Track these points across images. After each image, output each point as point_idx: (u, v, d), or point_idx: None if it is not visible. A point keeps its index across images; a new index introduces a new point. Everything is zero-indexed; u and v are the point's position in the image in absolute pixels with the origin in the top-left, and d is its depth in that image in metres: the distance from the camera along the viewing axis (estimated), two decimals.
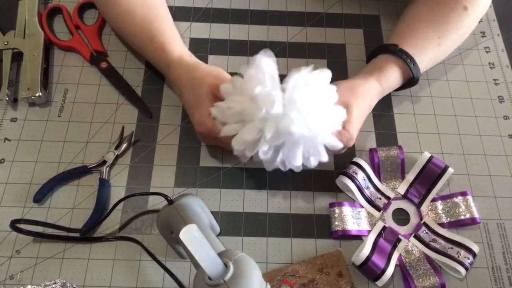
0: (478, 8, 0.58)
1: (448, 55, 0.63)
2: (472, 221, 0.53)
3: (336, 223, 0.52)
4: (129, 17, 0.56)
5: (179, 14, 0.67)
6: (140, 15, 0.56)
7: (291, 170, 0.48)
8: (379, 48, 0.58)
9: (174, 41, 0.55)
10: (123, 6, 0.56)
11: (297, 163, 0.46)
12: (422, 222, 0.53)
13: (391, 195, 0.55)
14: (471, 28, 0.61)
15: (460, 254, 0.50)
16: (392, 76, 0.55)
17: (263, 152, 0.45)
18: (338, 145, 0.47)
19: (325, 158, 0.46)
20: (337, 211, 0.53)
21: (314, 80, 0.46)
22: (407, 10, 0.61)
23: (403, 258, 0.51)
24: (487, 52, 0.67)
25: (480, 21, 0.68)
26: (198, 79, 0.51)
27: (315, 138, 0.45)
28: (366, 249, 0.50)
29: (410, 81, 0.57)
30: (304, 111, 0.44)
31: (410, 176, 0.56)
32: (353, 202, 0.54)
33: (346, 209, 0.53)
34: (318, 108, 0.45)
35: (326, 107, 0.46)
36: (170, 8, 0.61)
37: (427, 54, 0.57)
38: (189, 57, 0.55)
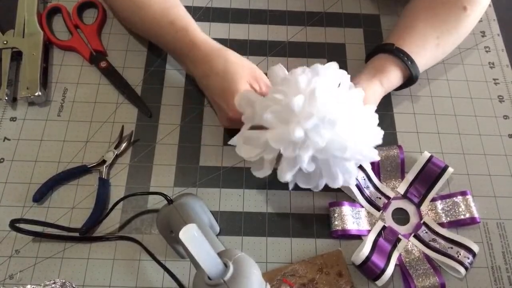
0: (478, 9, 0.58)
1: (448, 55, 0.63)
2: (472, 221, 0.53)
3: (336, 222, 0.52)
4: (145, 5, 0.56)
5: None
6: (157, 2, 0.56)
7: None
8: (377, 48, 0.58)
9: (195, 25, 0.55)
10: None
11: (337, 184, 0.44)
12: (422, 221, 0.53)
13: (391, 194, 0.55)
14: (471, 28, 0.61)
15: (460, 254, 0.50)
16: (392, 76, 0.55)
17: (305, 161, 0.42)
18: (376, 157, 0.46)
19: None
20: (337, 210, 0.53)
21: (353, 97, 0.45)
22: (406, 9, 0.61)
23: (403, 258, 0.51)
24: (487, 52, 0.67)
25: (480, 21, 0.68)
26: (236, 66, 0.50)
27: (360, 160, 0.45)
28: (365, 249, 0.50)
29: (409, 79, 0.57)
30: (354, 134, 0.43)
31: (410, 176, 0.56)
32: (353, 201, 0.54)
33: (346, 209, 0.53)
34: (363, 129, 0.44)
35: (368, 128, 0.46)
36: None
37: (426, 53, 0.57)
38: (215, 42, 0.54)
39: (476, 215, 0.53)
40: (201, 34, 0.54)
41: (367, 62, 0.58)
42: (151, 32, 0.58)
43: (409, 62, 0.55)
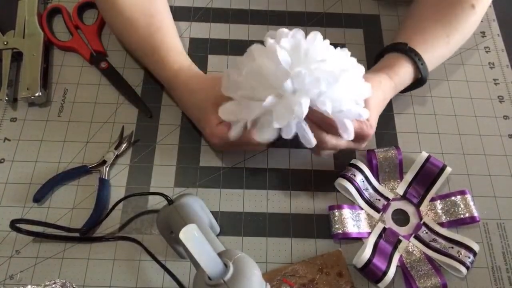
0: (485, 5, 0.59)
1: None
2: (472, 220, 0.53)
3: (336, 226, 0.52)
4: (132, 28, 0.56)
5: (179, 14, 0.67)
6: (142, 26, 0.55)
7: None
8: (388, 47, 0.58)
9: (173, 53, 0.55)
10: (126, 15, 0.56)
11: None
12: (421, 222, 0.53)
13: (390, 196, 0.55)
14: (476, 26, 0.61)
15: (461, 254, 0.50)
16: (402, 73, 0.55)
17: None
18: (363, 114, 0.47)
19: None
20: (336, 213, 0.52)
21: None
22: (414, 8, 0.61)
23: (404, 259, 0.51)
24: (487, 52, 0.67)
25: (480, 21, 0.68)
26: (198, 92, 0.51)
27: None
28: (366, 252, 0.50)
29: (417, 81, 0.57)
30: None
31: (409, 176, 0.56)
32: (352, 204, 0.54)
33: (346, 212, 0.53)
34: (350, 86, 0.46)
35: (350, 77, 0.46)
36: (170, 7, 0.61)
37: (437, 52, 0.57)
38: (188, 70, 0.54)
39: (475, 214, 0.53)
40: (175, 66, 0.54)
41: (376, 62, 0.58)
42: (137, 57, 0.59)
43: (421, 64, 0.55)
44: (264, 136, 0.46)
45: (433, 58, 0.56)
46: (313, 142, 0.46)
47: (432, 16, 0.58)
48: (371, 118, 0.50)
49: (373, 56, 0.60)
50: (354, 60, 0.48)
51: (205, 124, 0.50)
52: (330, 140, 0.47)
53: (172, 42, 0.56)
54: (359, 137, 0.49)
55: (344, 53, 0.47)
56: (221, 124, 0.48)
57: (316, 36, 0.46)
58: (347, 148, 0.51)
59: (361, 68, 0.48)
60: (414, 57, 0.54)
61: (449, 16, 0.57)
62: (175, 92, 0.55)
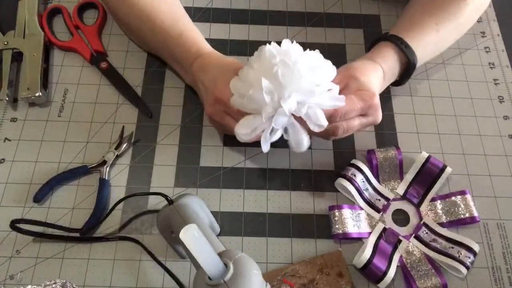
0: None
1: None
2: (472, 220, 0.53)
3: (337, 226, 0.52)
4: (153, 15, 0.56)
5: None
6: (166, 12, 0.57)
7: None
8: (374, 40, 0.58)
9: (202, 37, 0.57)
10: (147, 5, 0.57)
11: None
12: (422, 222, 0.53)
13: (390, 196, 0.55)
14: (472, 18, 0.61)
15: (461, 254, 0.50)
16: (387, 57, 0.55)
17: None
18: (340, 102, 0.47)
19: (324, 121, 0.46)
20: (337, 214, 0.52)
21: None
22: (407, 5, 0.62)
23: (404, 259, 0.51)
24: (487, 52, 0.67)
25: (480, 21, 0.69)
26: (228, 64, 0.52)
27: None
28: (367, 252, 0.50)
29: (408, 66, 0.56)
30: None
31: (409, 177, 0.56)
32: (352, 204, 0.54)
33: (346, 212, 0.53)
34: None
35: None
36: None
37: (425, 39, 0.57)
38: (215, 52, 0.56)
39: (475, 214, 0.53)
40: (207, 45, 0.56)
41: None
42: (158, 42, 0.58)
43: (403, 46, 0.55)
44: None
45: (422, 43, 0.56)
46: (306, 145, 0.48)
47: (422, 7, 0.59)
48: (368, 86, 0.49)
49: None
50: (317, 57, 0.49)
51: (219, 81, 0.50)
52: (341, 124, 0.48)
53: (197, 29, 0.58)
54: (365, 109, 0.49)
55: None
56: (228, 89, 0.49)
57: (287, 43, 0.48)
58: (362, 128, 0.51)
59: (312, 55, 0.48)
60: (396, 41, 0.55)
61: (439, 6, 0.58)
62: (201, 63, 0.54)
